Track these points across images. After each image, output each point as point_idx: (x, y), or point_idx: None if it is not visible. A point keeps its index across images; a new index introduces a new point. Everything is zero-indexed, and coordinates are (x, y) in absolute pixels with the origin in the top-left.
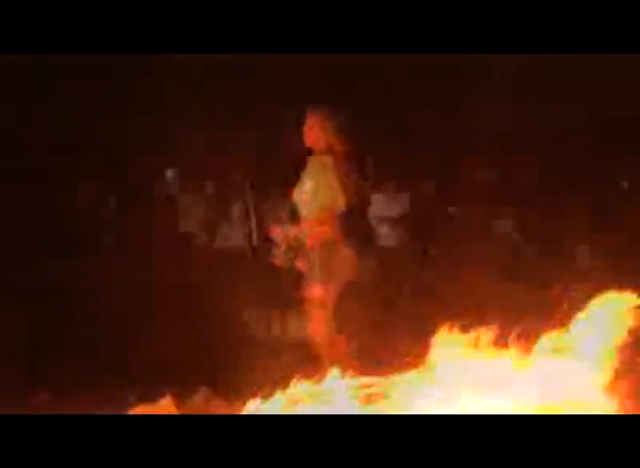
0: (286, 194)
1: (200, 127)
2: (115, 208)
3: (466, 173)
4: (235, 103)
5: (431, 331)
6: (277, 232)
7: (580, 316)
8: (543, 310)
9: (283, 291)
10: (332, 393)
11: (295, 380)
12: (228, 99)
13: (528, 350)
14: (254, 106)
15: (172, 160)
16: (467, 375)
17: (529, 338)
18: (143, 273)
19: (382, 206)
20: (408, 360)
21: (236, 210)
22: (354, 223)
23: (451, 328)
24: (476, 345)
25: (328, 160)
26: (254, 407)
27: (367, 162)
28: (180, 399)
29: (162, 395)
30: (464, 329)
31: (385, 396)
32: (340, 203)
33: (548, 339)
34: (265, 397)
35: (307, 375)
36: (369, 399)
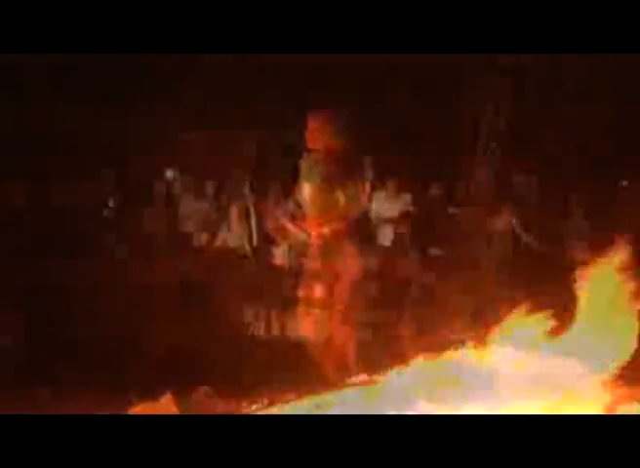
0: (286, 194)
1: (200, 127)
2: (115, 208)
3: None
4: (235, 103)
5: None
6: (277, 232)
7: None
8: None
9: (283, 290)
10: None
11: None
12: (228, 99)
13: None
14: (254, 106)
15: (171, 160)
16: None
17: None
18: (144, 273)
19: (384, 206)
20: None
21: (236, 209)
22: (355, 224)
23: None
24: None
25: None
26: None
27: (368, 163)
28: (180, 397)
29: (162, 393)
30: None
31: None
32: (341, 204)
33: None
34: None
35: (308, 375)
36: None
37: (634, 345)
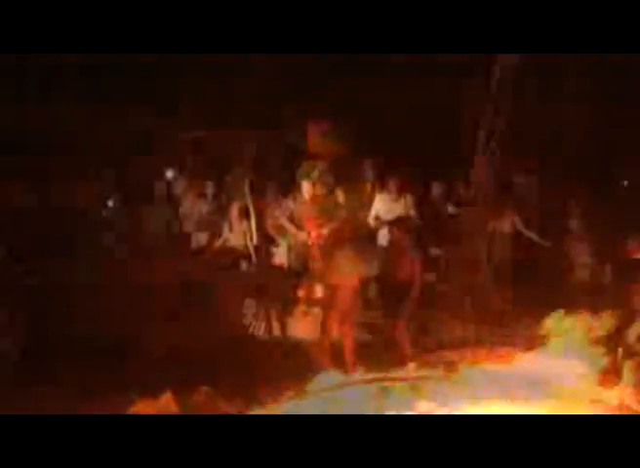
0: (286, 194)
1: (200, 127)
2: (115, 208)
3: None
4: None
5: None
6: (277, 232)
7: None
8: None
9: (283, 290)
10: None
11: None
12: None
13: None
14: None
15: (171, 160)
16: None
17: None
18: (144, 273)
19: (385, 207)
20: None
21: (237, 209)
22: (355, 224)
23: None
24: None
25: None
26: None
27: (368, 164)
28: (180, 397)
29: (162, 392)
30: None
31: None
32: (340, 205)
33: None
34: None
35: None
36: None
37: None
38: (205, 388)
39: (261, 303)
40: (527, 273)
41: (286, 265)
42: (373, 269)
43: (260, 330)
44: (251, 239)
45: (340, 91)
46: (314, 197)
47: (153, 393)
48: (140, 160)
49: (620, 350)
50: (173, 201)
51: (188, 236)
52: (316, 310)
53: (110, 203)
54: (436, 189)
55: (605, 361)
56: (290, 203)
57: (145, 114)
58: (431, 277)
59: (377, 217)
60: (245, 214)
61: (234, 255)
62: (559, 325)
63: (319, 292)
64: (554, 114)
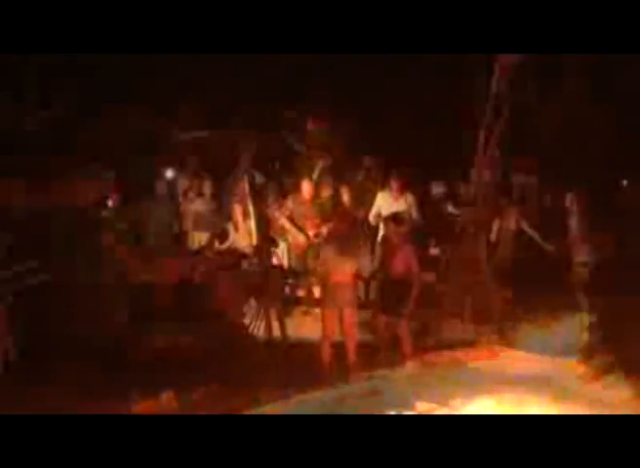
0: (286, 194)
1: (201, 127)
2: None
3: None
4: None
5: None
6: (276, 232)
7: None
8: None
9: (283, 290)
10: None
11: None
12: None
13: None
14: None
15: (172, 160)
16: None
17: None
18: (143, 273)
19: (386, 205)
20: None
21: (240, 209)
22: (354, 224)
23: None
24: None
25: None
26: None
27: (368, 164)
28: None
29: (163, 392)
30: None
31: None
32: (340, 204)
33: None
34: None
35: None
36: None
37: None
38: (205, 388)
39: (261, 303)
40: (527, 273)
41: (286, 265)
42: (371, 267)
43: (259, 330)
44: (251, 238)
45: (340, 91)
46: (314, 197)
47: (153, 393)
48: (140, 160)
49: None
50: (173, 201)
51: (191, 235)
52: (316, 310)
53: (110, 203)
54: (436, 189)
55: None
56: (290, 203)
57: (145, 114)
58: (431, 277)
59: (378, 216)
60: (245, 214)
61: (234, 256)
62: (559, 325)
63: (319, 291)
64: (554, 114)
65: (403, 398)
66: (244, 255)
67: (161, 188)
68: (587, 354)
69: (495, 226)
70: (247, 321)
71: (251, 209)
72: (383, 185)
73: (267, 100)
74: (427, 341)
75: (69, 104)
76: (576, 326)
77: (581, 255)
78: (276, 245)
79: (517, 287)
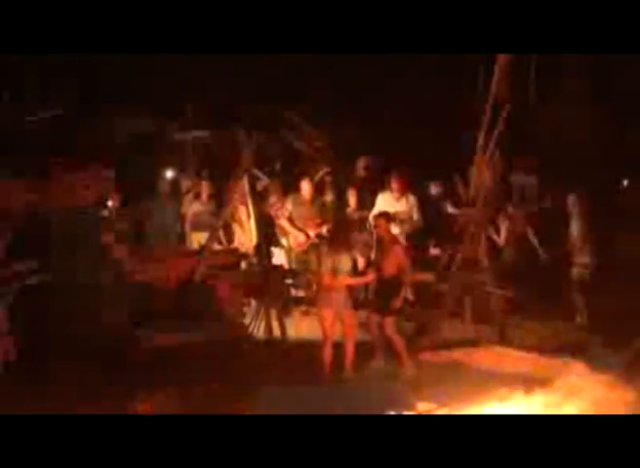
0: (286, 194)
1: (201, 127)
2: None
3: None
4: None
5: None
6: (277, 232)
7: None
8: None
9: (283, 290)
10: None
11: None
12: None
13: None
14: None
15: (172, 160)
16: None
17: None
18: (143, 273)
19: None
20: None
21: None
22: (354, 224)
23: None
24: None
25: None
26: None
27: (368, 165)
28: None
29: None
30: None
31: None
32: (340, 206)
33: None
34: None
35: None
36: None
37: None
38: (205, 388)
39: (261, 303)
40: (527, 273)
41: (286, 265)
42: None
43: (259, 330)
44: (251, 238)
45: (340, 91)
46: (315, 197)
47: (153, 393)
48: (140, 160)
49: None
50: (173, 201)
51: (189, 236)
52: (316, 310)
53: (110, 203)
54: (436, 189)
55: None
56: (290, 203)
57: (145, 114)
58: (431, 277)
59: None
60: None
61: (237, 255)
62: (560, 325)
63: (319, 291)
64: (554, 114)
65: (403, 397)
66: (244, 255)
67: (163, 188)
68: (587, 354)
69: (502, 229)
70: (247, 321)
71: (251, 209)
72: (384, 185)
73: (267, 100)
74: (427, 341)
75: (69, 104)
76: (576, 326)
77: (583, 257)
78: (276, 245)
79: (518, 287)
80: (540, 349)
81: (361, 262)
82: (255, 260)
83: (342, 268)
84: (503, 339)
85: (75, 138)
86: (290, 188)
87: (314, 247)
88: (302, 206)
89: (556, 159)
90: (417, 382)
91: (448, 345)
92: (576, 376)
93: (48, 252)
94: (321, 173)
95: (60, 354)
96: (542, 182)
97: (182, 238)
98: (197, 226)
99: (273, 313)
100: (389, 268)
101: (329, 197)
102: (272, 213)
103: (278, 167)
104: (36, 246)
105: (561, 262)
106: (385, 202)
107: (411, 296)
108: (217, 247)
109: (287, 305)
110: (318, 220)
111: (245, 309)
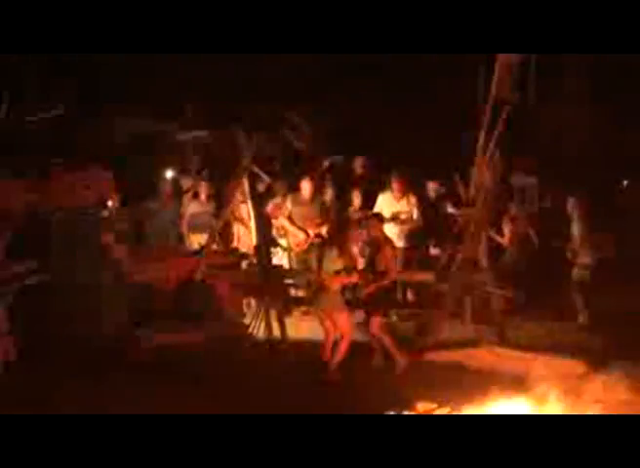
0: (286, 194)
1: (201, 127)
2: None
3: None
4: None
5: None
6: (277, 232)
7: None
8: None
9: (283, 290)
10: None
11: None
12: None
13: None
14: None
15: (172, 160)
16: None
17: None
18: (143, 273)
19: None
20: None
21: (238, 208)
22: (354, 224)
23: None
24: None
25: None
26: None
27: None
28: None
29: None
30: None
31: None
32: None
33: None
34: None
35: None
36: None
37: None
38: (204, 388)
39: (261, 303)
40: (528, 274)
41: (286, 265)
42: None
43: (259, 330)
44: (251, 238)
45: (340, 91)
46: (316, 197)
47: (152, 393)
48: (140, 160)
49: None
50: (173, 201)
51: (188, 236)
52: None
53: (110, 203)
54: (436, 189)
55: None
56: (289, 203)
57: (146, 114)
58: (431, 277)
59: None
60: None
61: (237, 255)
62: (560, 325)
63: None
64: (554, 114)
65: (403, 397)
66: (244, 255)
67: (163, 188)
68: (587, 354)
69: (506, 230)
70: (247, 321)
71: (251, 209)
72: (385, 186)
73: (267, 100)
74: (427, 341)
75: (69, 104)
76: (576, 326)
77: (583, 257)
78: (276, 244)
79: (518, 287)
80: (540, 349)
81: (361, 262)
82: (255, 260)
83: (341, 268)
84: (503, 340)
85: (75, 139)
86: (290, 188)
87: (314, 247)
88: (302, 205)
89: (556, 159)
90: (417, 382)
91: (448, 345)
92: (576, 377)
93: (48, 252)
94: (323, 166)
95: (61, 354)
96: (543, 183)
97: (182, 238)
98: (194, 227)
99: (273, 313)
100: (380, 269)
101: (329, 197)
102: (274, 213)
103: (278, 167)
104: (36, 246)
105: (561, 263)
106: (386, 202)
107: (411, 297)
108: (214, 247)
109: (287, 305)
110: (318, 220)
111: (245, 309)
